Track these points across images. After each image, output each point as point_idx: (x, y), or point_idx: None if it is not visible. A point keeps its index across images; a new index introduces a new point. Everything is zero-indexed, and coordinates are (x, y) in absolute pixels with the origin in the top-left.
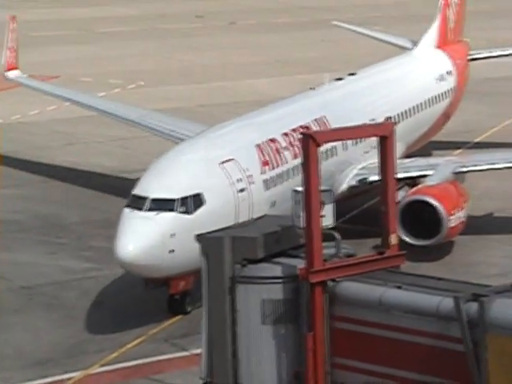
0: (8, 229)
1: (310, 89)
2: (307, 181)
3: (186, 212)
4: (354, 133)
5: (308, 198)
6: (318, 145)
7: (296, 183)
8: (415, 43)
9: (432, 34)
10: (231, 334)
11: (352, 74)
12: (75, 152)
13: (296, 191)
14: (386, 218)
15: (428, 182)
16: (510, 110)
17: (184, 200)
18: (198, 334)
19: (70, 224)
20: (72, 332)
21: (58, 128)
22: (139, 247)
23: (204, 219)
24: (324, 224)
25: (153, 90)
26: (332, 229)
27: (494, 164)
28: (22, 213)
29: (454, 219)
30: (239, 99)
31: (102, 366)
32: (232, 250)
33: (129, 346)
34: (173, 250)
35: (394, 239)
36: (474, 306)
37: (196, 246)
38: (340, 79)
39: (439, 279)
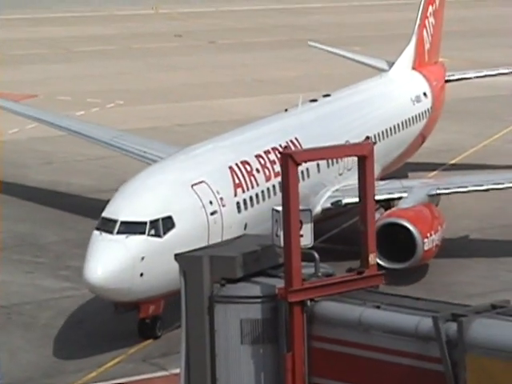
0: None
1: (285, 110)
2: (286, 200)
3: (157, 235)
4: (334, 152)
5: (287, 217)
6: (298, 164)
7: (269, 206)
8: (391, 64)
9: (408, 55)
10: (210, 353)
11: (327, 96)
12: (54, 171)
13: (275, 210)
14: (365, 237)
15: (402, 204)
16: (490, 130)
17: (154, 223)
18: (176, 354)
19: (48, 243)
20: (50, 351)
21: (37, 146)
22: (108, 271)
23: (174, 242)
24: (302, 244)
25: (131, 109)
26: (310, 248)
27: (468, 187)
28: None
29: (429, 242)
30: (218, 118)
31: None
32: (211, 270)
33: (107, 365)
34: (142, 274)
35: (372, 259)
36: (453, 326)
37: (166, 270)
38: (314, 100)
39: (418, 299)
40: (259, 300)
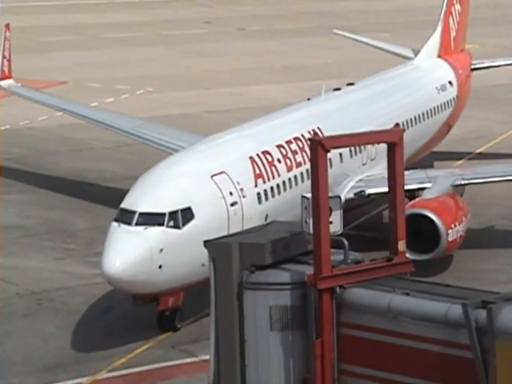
0: (15, 234)
1: (308, 99)
2: (315, 187)
3: (176, 226)
4: (363, 139)
5: (316, 204)
6: (327, 151)
7: (290, 196)
8: (417, 52)
9: (433, 42)
10: (239, 340)
11: (350, 84)
12: (83, 158)
13: (305, 197)
14: (394, 224)
15: (426, 194)
16: None
17: (173, 214)
18: (206, 340)
19: (78, 230)
20: (80, 338)
21: (66, 134)
22: (126, 262)
23: (194, 234)
24: (332, 230)
25: (161, 95)
26: (340, 235)
27: (494, 177)
28: (30, 218)
29: (453, 233)
30: (246, 105)
31: (110, 371)
32: (240, 256)
33: (137, 351)
34: (161, 266)
35: (402, 246)
36: (482, 313)
37: (185, 262)
38: (338, 89)
39: (447, 286)
40: (288, 287)
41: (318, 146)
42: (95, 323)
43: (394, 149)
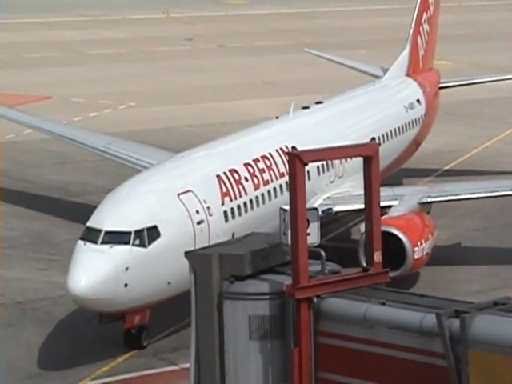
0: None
1: (276, 118)
2: (294, 199)
3: (141, 245)
4: (340, 153)
5: (295, 216)
6: (305, 164)
7: (257, 214)
8: (386, 71)
9: (402, 61)
10: (219, 349)
11: (319, 103)
12: (66, 171)
13: (283, 209)
14: (370, 236)
15: (393, 212)
16: (492, 132)
17: (139, 233)
18: (186, 349)
19: (62, 241)
20: (63, 346)
21: (51, 147)
22: (92, 281)
23: (160, 252)
24: (309, 242)
25: (143, 110)
26: (317, 247)
27: (459, 195)
28: (14, 230)
29: (419, 251)
30: (227, 120)
31: (93, 380)
32: (220, 267)
33: (119, 360)
34: (127, 284)
35: (377, 257)
36: (455, 323)
37: (151, 280)
38: (306, 107)
39: (422, 296)
40: (267, 297)
41: (296, 160)
42: (78, 332)
43: (370, 162)
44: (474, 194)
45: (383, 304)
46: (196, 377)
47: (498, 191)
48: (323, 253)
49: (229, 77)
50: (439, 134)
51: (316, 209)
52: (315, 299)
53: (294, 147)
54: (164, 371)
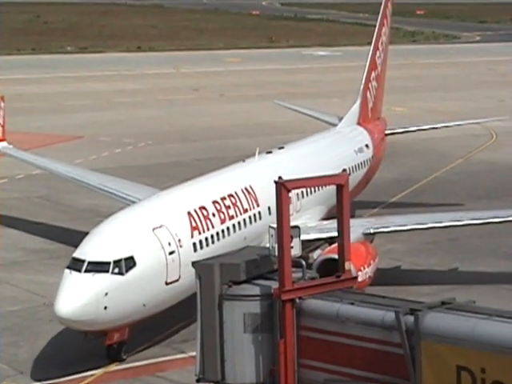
0: (42, 256)
1: (243, 161)
2: (280, 219)
3: (119, 273)
4: (317, 182)
5: (280, 232)
6: (289, 190)
7: (223, 245)
8: (340, 119)
9: (354, 112)
10: (219, 340)
11: (281, 148)
12: (96, 196)
13: (271, 227)
14: (341, 248)
15: None
16: (438, 165)
17: (117, 262)
18: (193, 340)
19: None
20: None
21: None
22: (75, 305)
23: (136, 279)
24: (293, 253)
25: (158, 147)
26: (299, 257)
27: (398, 226)
28: (54, 244)
29: (362, 275)
30: (226, 154)
31: (117, 365)
32: (220, 274)
33: (138, 349)
34: (106, 307)
35: (348, 265)
36: (410, 319)
37: (128, 303)
38: (270, 152)
39: (383, 297)
40: (258, 298)
41: (282, 187)
42: None
43: (341, 189)
44: (404, 226)
45: (352, 304)
46: (201, 363)
47: (427, 223)
48: (304, 262)
49: (227, 120)
50: (398, 165)
51: (298, 227)
52: (297, 300)
53: (280, 177)
54: (175, 358)
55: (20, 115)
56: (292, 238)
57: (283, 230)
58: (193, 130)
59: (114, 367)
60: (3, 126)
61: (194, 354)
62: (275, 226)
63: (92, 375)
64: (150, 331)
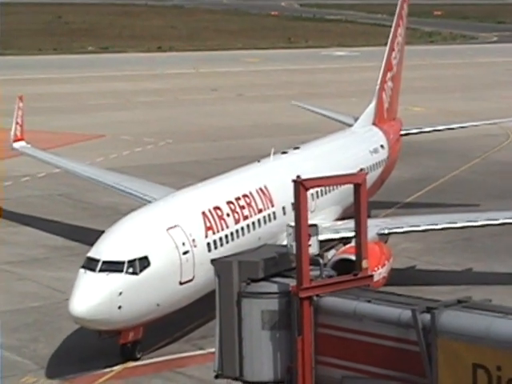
0: (63, 253)
1: (258, 161)
2: (298, 217)
3: (133, 273)
4: (335, 181)
5: (298, 230)
6: (307, 189)
7: (237, 244)
8: (356, 120)
9: (369, 112)
10: (238, 336)
11: (296, 148)
12: (116, 194)
13: (289, 225)
14: (359, 247)
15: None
16: (456, 164)
17: (131, 262)
18: (212, 337)
19: None
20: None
21: None
22: (89, 305)
23: (150, 279)
24: (310, 252)
25: (178, 146)
26: (316, 255)
27: (412, 227)
28: (74, 241)
29: (376, 275)
30: (244, 154)
31: (137, 361)
32: (239, 272)
33: (159, 345)
34: (120, 307)
35: (365, 264)
36: (427, 317)
37: (142, 303)
38: (285, 152)
39: (400, 295)
40: (276, 295)
41: (300, 186)
42: None
43: (359, 188)
44: (421, 226)
45: (369, 301)
46: (219, 359)
47: (439, 224)
48: (321, 260)
49: (246, 120)
50: (416, 165)
51: (316, 225)
52: (315, 298)
53: (298, 176)
54: (194, 354)
55: (42, 115)
56: (310, 236)
57: (301, 228)
58: (212, 130)
59: (133, 363)
60: (21, 126)
61: (212, 350)
62: (293, 224)
63: (112, 371)
64: (170, 328)
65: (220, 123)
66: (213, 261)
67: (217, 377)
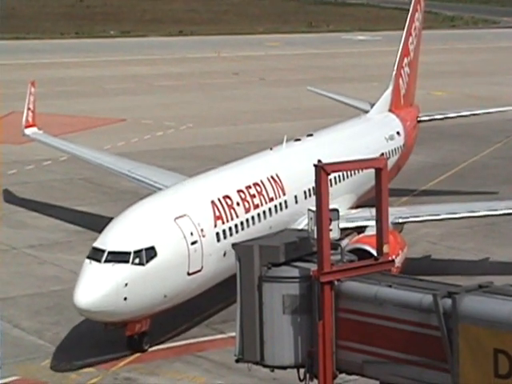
0: (84, 237)
1: (270, 149)
2: (319, 202)
3: (140, 263)
4: (355, 165)
5: (319, 215)
6: (328, 174)
7: (248, 235)
8: (372, 106)
9: (386, 98)
10: (259, 321)
11: (310, 135)
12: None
13: (310, 210)
14: (380, 232)
15: (369, 231)
16: (477, 149)
17: (138, 253)
18: (233, 321)
19: None
20: None
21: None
22: (94, 296)
23: (156, 270)
24: (331, 236)
25: (199, 130)
26: (337, 240)
27: (427, 216)
28: (95, 225)
29: None
30: (265, 138)
31: (157, 344)
32: (260, 256)
33: (180, 329)
34: (126, 298)
35: (386, 248)
36: (448, 301)
37: (148, 294)
38: (298, 139)
39: (421, 280)
40: (297, 280)
41: (321, 170)
42: None
43: (380, 173)
44: (437, 215)
45: (390, 286)
46: (240, 343)
47: (459, 213)
48: (342, 245)
49: (267, 104)
50: (436, 150)
51: (337, 210)
52: (336, 282)
53: (319, 160)
54: (215, 339)
55: (63, 99)
56: (331, 220)
57: (322, 212)
58: (233, 114)
59: (154, 347)
60: (33, 112)
61: (233, 334)
62: (314, 208)
63: (132, 354)
64: (190, 311)
65: (241, 107)
66: (234, 245)
67: (237, 361)
